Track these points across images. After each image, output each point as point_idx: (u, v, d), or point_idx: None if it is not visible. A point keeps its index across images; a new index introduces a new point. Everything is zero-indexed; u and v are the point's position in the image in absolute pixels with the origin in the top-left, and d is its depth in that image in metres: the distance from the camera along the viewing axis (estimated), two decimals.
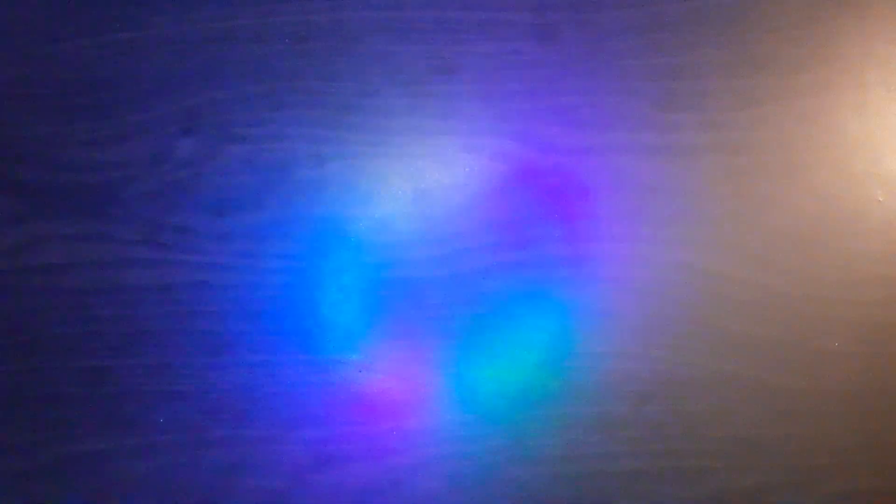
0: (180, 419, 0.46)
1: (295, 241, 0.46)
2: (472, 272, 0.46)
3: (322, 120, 0.47)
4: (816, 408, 0.46)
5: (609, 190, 0.47)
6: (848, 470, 0.46)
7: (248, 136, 0.47)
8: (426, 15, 0.48)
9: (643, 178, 0.47)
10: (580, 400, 0.46)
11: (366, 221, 0.46)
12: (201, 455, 0.46)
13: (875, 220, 0.46)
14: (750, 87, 0.47)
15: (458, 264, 0.46)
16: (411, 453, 0.46)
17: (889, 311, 0.46)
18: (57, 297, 0.46)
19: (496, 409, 0.46)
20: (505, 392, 0.46)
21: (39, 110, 0.47)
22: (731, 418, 0.46)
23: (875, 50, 0.47)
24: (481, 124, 0.47)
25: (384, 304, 0.46)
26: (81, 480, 0.46)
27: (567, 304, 0.46)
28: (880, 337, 0.46)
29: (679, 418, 0.46)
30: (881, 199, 0.46)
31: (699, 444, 0.46)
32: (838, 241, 0.46)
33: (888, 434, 0.46)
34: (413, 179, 0.47)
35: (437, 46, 0.47)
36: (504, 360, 0.46)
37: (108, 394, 0.46)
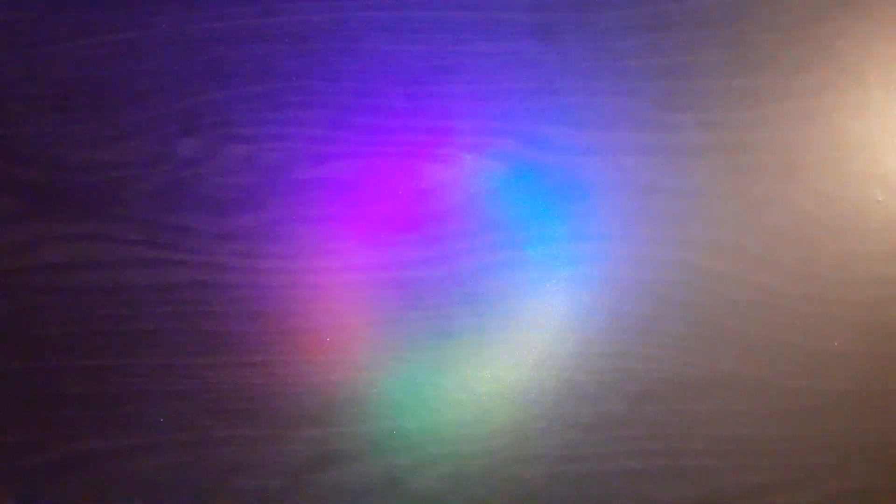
0: (180, 419, 0.46)
1: (295, 241, 0.46)
2: (471, 272, 0.46)
3: (322, 120, 0.47)
4: (816, 408, 0.46)
5: (609, 190, 0.47)
6: (848, 470, 0.46)
7: (248, 136, 0.47)
8: (426, 15, 0.48)
9: (643, 178, 0.47)
10: (580, 400, 0.46)
11: (366, 221, 0.46)
12: (201, 455, 0.46)
13: (875, 220, 0.46)
14: (750, 87, 0.47)
15: (457, 264, 0.46)
16: (411, 453, 0.46)
17: (889, 311, 0.46)
18: (57, 297, 0.46)
19: (496, 409, 0.46)
20: (505, 392, 0.46)
21: (39, 110, 0.47)
22: (731, 418, 0.46)
23: (875, 50, 0.47)
24: (481, 124, 0.47)
25: (384, 304, 0.46)
26: (81, 480, 0.46)
27: (567, 303, 0.46)
28: (880, 337, 0.46)
29: (679, 418, 0.46)
30: (881, 200, 0.46)
31: (699, 444, 0.46)
32: (838, 241, 0.46)
33: (888, 434, 0.46)
34: (413, 179, 0.47)
35: (437, 46, 0.47)
36: (504, 360, 0.46)
37: (108, 394, 0.46)
